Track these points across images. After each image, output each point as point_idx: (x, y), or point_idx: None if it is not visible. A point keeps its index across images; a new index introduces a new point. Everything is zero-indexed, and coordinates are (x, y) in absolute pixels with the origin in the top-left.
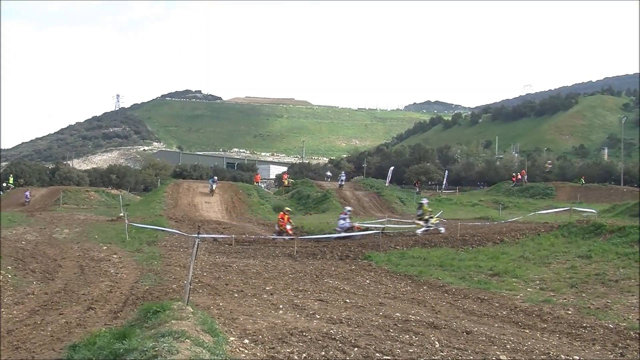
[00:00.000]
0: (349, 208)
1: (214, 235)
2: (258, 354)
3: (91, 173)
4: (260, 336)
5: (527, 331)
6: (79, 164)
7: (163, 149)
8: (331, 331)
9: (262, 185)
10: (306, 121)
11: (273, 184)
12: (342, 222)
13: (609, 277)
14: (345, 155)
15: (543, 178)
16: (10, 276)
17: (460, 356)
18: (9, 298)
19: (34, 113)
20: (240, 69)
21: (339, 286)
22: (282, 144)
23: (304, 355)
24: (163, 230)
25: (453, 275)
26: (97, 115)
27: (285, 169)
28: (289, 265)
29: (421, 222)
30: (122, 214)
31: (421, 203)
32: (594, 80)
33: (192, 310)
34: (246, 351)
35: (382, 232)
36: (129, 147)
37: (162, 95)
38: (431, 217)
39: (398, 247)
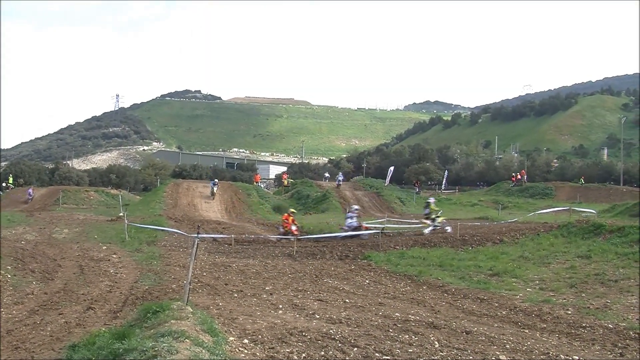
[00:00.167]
0: (356, 207)
1: (213, 235)
2: (257, 353)
3: (91, 173)
4: (260, 336)
5: (527, 331)
6: (79, 164)
7: (163, 148)
8: (331, 331)
9: (262, 185)
10: (306, 121)
11: (273, 184)
12: (349, 220)
13: (608, 277)
14: (344, 155)
15: (543, 178)
16: (9, 276)
17: (460, 356)
18: (9, 298)
19: (33, 113)
20: (240, 68)
21: (338, 286)
22: (281, 143)
23: (304, 355)
24: (163, 230)
25: (452, 275)
26: (97, 115)
27: (284, 168)
28: (288, 265)
29: (428, 221)
30: (121, 214)
31: (428, 202)
32: (593, 80)
33: (191, 310)
34: (246, 351)
35: (381, 232)
36: (129, 147)
37: (161, 95)
38: (438, 216)
39: (398, 247)
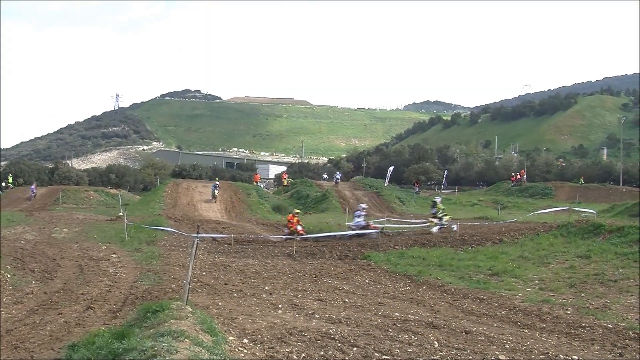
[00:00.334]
0: (363, 205)
1: (213, 235)
2: (257, 353)
3: (90, 172)
4: (259, 336)
5: (526, 331)
6: (78, 164)
7: (162, 148)
8: (330, 331)
9: (262, 185)
10: (305, 121)
11: (272, 183)
12: (357, 219)
13: (608, 277)
14: (344, 155)
15: (542, 178)
16: (9, 276)
17: (459, 356)
18: (8, 297)
19: (33, 113)
20: (240, 68)
21: (338, 286)
22: (281, 143)
23: (303, 354)
24: (162, 230)
25: (452, 275)
26: (97, 114)
27: (284, 168)
28: (288, 265)
29: (435, 220)
30: (121, 214)
31: (435, 201)
32: (593, 80)
33: (191, 309)
34: (245, 351)
35: (381, 232)
36: (128, 146)
37: (161, 95)
38: (445, 215)
39: (397, 247)
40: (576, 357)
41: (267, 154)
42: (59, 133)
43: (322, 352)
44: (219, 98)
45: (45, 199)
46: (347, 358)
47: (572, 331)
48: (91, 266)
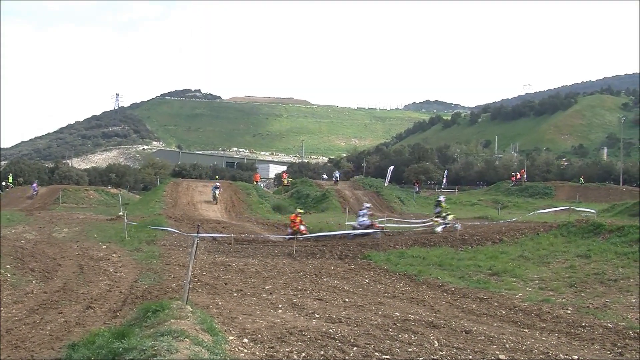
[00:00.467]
0: (368, 205)
1: (213, 235)
2: (257, 353)
3: (90, 172)
4: (260, 335)
5: (526, 330)
6: (78, 163)
7: (162, 148)
8: (330, 330)
9: (262, 185)
10: (305, 120)
11: (272, 183)
12: (361, 219)
13: (608, 276)
14: (344, 155)
15: (542, 178)
16: (9, 275)
17: (460, 355)
18: (8, 297)
19: (34, 113)
20: (240, 68)
21: (338, 285)
22: (281, 143)
23: (303, 354)
24: (162, 230)
25: (452, 274)
26: (97, 114)
27: (284, 168)
28: (288, 264)
29: (439, 220)
30: (121, 213)
31: (439, 201)
32: (593, 80)
33: (191, 309)
34: (245, 350)
35: (380, 231)
36: (128, 146)
37: (161, 95)
38: (448, 215)
39: (397, 247)
40: (576, 357)
41: (267, 153)
42: (59, 132)
43: (322, 352)
44: (219, 98)
45: (45, 198)
46: (347, 358)
47: (572, 331)
48: (91, 266)
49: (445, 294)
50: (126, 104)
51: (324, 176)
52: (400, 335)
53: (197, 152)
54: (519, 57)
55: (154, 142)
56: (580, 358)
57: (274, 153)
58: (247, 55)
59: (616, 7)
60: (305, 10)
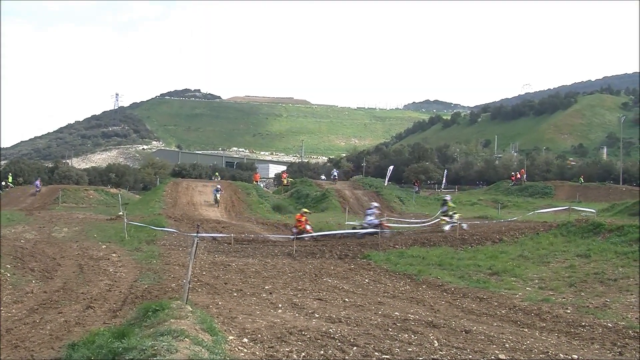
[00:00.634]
0: (375, 204)
1: (213, 235)
2: (257, 352)
3: (90, 172)
4: (259, 335)
5: (526, 330)
6: (78, 163)
7: (162, 147)
8: (330, 330)
9: (261, 185)
10: (305, 120)
11: (272, 183)
12: (369, 218)
13: (607, 276)
14: (344, 155)
15: (542, 177)
16: (9, 275)
17: (459, 355)
18: (8, 297)
19: (33, 113)
20: (240, 68)
21: (338, 285)
22: (281, 143)
23: (303, 354)
24: (162, 230)
25: (452, 274)
26: (97, 114)
27: (284, 168)
28: (288, 264)
29: (446, 218)
30: (121, 213)
31: (445, 200)
32: (593, 80)
33: (191, 309)
34: (245, 350)
35: (380, 231)
36: (128, 146)
37: (161, 94)
38: (455, 213)
39: (397, 246)
40: (576, 356)
41: (267, 153)
42: (59, 132)
43: (322, 352)
44: (219, 97)
45: (45, 198)
46: (347, 357)
47: (572, 330)
48: (91, 265)
49: (445, 293)
50: (126, 103)
51: (322, 177)
52: (400, 335)
53: (197, 152)
54: (518, 56)
55: (154, 142)
56: (580, 357)
57: (274, 153)
58: (247, 55)
59: (616, 7)
60: (305, 10)
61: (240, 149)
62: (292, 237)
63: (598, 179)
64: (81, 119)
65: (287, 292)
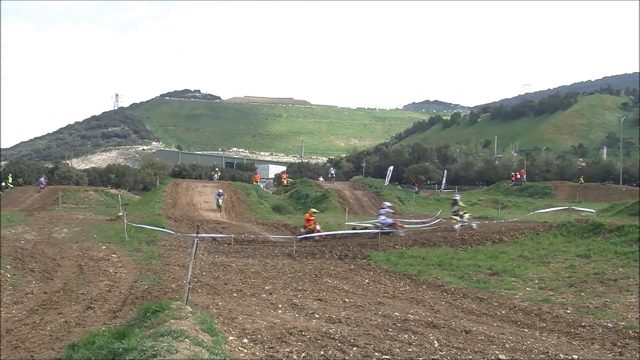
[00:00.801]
0: (388, 204)
1: (213, 235)
2: (257, 353)
3: (90, 172)
4: (259, 335)
5: (526, 330)
6: (78, 164)
7: (162, 148)
8: (330, 330)
9: (261, 185)
10: (305, 121)
11: (272, 183)
12: (383, 217)
13: (607, 276)
14: (344, 155)
15: (542, 177)
16: (9, 275)
17: (460, 355)
18: (8, 297)
19: (33, 113)
20: (239, 68)
21: (338, 285)
22: (281, 143)
23: (303, 354)
24: (161, 231)
25: (452, 274)
26: (96, 114)
27: (284, 168)
28: (288, 264)
29: (457, 218)
30: (121, 214)
31: (455, 199)
32: (593, 80)
33: (191, 309)
34: (245, 350)
35: (380, 231)
36: (128, 146)
37: (161, 95)
38: (465, 213)
39: (397, 247)
40: (576, 357)
41: (266, 153)
42: (59, 133)
43: (322, 352)
44: (219, 98)
45: (45, 198)
46: (347, 358)
47: (572, 330)
48: (91, 266)
49: (445, 294)
50: (126, 104)
51: (321, 178)
52: (400, 335)
53: (197, 152)
54: (518, 56)
55: (154, 143)
56: (580, 358)
57: (274, 153)
58: (246, 55)
59: (616, 7)
60: (305, 10)
61: (240, 150)
62: (299, 237)
63: (598, 179)
64: (81, 120)
65: (287, 293)
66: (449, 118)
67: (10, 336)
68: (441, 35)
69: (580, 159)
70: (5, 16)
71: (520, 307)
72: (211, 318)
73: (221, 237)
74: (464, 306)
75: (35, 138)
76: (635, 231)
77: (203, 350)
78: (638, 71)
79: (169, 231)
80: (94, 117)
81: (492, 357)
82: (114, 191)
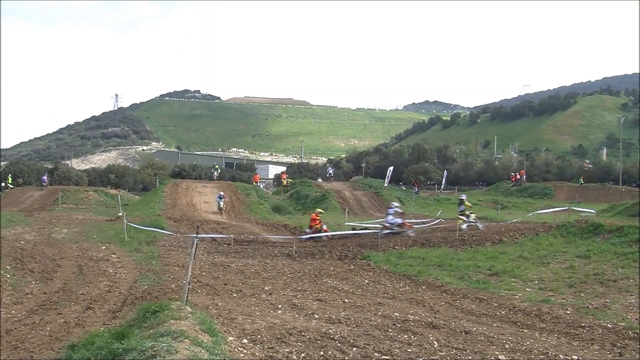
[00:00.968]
0: (396, 204)
1: (212, 235)
2: (257, 353)
3: (90, 173)
4: (259, 336)
5: (526, 331)
6: (78, 164)
7: (162, 148)
8: (330, 331)
9: (261, 185)
10: (305, 121)
11: (272, 183)
12: (391, 217)
13: (607, 276)
14: (344, 155)
15: (542, 178)
16: (9, 276)
17: (459, 356)
18: (8, 298)
19: (33, 113)
20: (239, 69)
21: (337, 286)
22: (280, 143)
23: (303, 355)
24: (160, 232)
25: (452, 275)
26: (96, 115)
27: (284, 168)
28: (287, 265)
29: (464, 217)
30: (120, 214)
31: (462, 199)
32: (592, 80)
33: (190, 310)
34: (245, 351)
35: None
36: (128, 146)
37: (160, 95)
38: (471, 213)
39: (397, 247)
40: (576, 357)
41: (266, 154)
42: (59, 133)
43: (321, 352)
44: (219, 98)
45: (44, 199)
46: (346, 358)
47: (572, 331)
48: (91, 266)
49: (444, 294)
50: (125, 104)
51: (319, 180)
52: (399, 336)
53: (197, 152)
54: (518, 57)
55: (154, 143)
56: (580, 358)
57: (274, 153)
58: (246, 55)
59: (616, 7)
60: (305, 10)
61: (240, 150)
62: (304, 237)
63: (598, 179)
64: (81, 120)
65: (287, 293)
66: (448, 118)
67: (10, 336)
68: (441, 35)
69: (587, 161)
70: (5, 16)
71: (520, 308)
72: (211, 318)
73: (221, 237)
74: (464, 307)
75: (35, 138)
76: (635, 232)
77: (203, 351)
78: (638, 72)
79: (168, 232)
80: (93, 118)
81: (492, 358)
82: (113, 191)
